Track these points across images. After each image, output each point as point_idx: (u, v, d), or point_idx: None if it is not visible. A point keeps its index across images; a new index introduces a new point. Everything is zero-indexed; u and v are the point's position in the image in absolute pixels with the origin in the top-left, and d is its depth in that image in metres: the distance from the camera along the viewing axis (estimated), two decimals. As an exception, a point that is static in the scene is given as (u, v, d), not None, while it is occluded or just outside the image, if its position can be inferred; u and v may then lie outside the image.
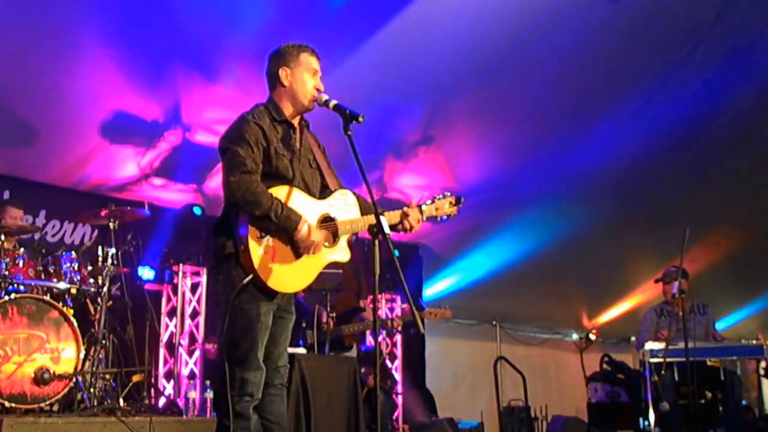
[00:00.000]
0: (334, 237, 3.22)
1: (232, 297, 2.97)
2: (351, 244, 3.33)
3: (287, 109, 3.22)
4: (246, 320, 3.01)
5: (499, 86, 6.51)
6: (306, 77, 3.20)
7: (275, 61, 3.25)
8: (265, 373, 3.11)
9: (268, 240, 3.02)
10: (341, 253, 3.26)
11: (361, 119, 2.97)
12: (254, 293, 3.01)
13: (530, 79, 6.49)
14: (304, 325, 6.04)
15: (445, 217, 3.48)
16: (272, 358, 3.17)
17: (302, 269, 3.12)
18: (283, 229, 3.02)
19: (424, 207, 3.41)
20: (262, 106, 3.21)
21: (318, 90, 3.20)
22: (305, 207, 3.14)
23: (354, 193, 3.36)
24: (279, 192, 3.07)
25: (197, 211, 6.65)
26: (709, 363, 6.02)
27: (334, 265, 3.27)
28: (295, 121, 3.26)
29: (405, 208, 3.34)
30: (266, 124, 3.12)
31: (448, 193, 3.52)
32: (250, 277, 2.97)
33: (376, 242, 2.86)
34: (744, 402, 6.36)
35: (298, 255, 3.09)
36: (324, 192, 3.30)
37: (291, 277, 3.09)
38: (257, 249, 2.99)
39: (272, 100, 3.23)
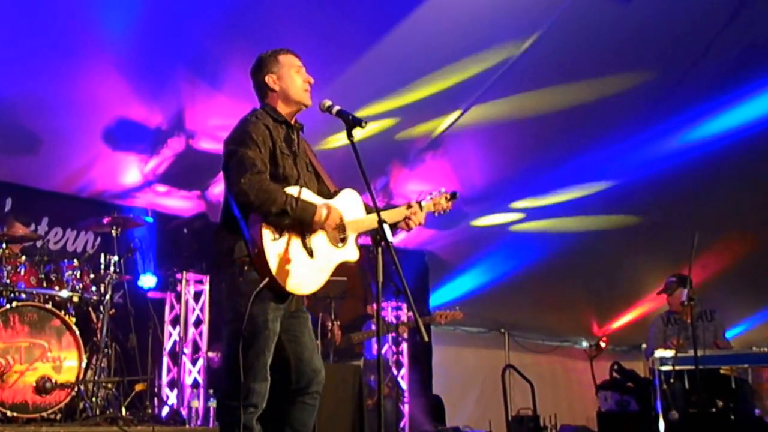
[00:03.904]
0: (343, 237, 3.20)
1: (240, 299, 2.92)
2: (357, 244, 3.32)
3: (283, 111, 3.23)
4: (253, 327, 2.95)
5: (506, 90, 6.44)
6: (293, 74, 3.23)
7: (258, 73, 3.27)
8: (301, 377, 3.09)
9: (283, 241, 2.99)
10: (351, 252, 3.25)
11: (364, 125, 2.99)
12: (263, 298, 2.97)
13: (538, 83, 6.42)
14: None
15: (441, 212, 3.58)
16: (304, 360, 3.14)
17: (316, 270, 3.10)
18: (301, 221, 3.00)
19: (423, 204, 3.46)
20: (261, 109, 3.22)
21: (309, 83, 3.24)
22: None
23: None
24: (290, 191, 3.05)
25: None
26: (721, 371, 5.93)
27: (339, 272, 3.24)
28: (292, 122, 3.28)
29: (407, 209, 3.36)
30: (270, 124, 3.13)
31: (443, 189, 3.60)
32: (266, 280, 2.94)
33: (379, 249, 2.84)
34: (756, 411, 6.25)
35: (311, 254, 3.07)
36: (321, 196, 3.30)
37: (305, 278, 3.06)
38: (273, 250, 2.96)
39: (268, 104, 3.24)
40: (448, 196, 3.57)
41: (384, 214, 2.97)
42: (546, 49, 5.96)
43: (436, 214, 3.56)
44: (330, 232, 3.14)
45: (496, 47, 5.94)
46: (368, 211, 3.34)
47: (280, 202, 2.95)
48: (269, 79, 3.22)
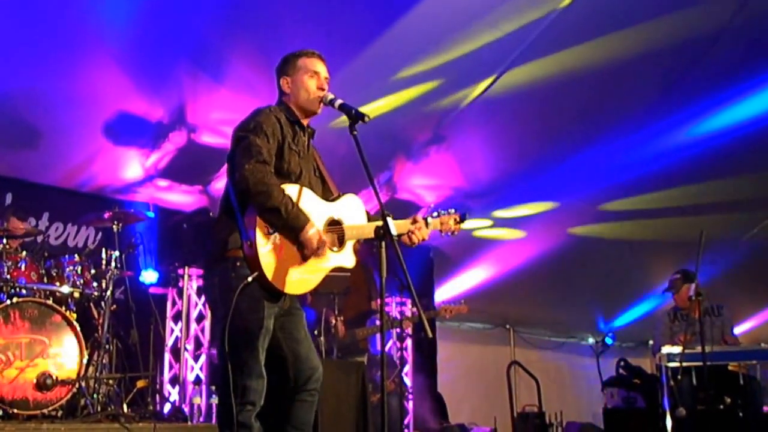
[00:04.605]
0: (340, 242, 3.17)
1: (232, 296, 2.88)
2: (356, 251, 3.27)
3: (296, 113, 3.24)
4: (246, 324, 2.92)
5: (512, 83, 6.35)
6: (305, 80, 3.22)
7: (277, 74, 3.30)
8: (300, 375, 3.07)
9: (276, 237, 2.96)
10: (347, 258, 3.21)
11: (367, 119, 2.97)
12: (256, 295, 2.94)
13: (545, 75, 6.32)
14: (316, 332, 5.96)
15: (448, 233, 3.51)
16: (302, 357, 3.11)
17: (308, 271, 3.06)
18: (290, 228, 2.96)
19: (429, 220, 3.42)
20: (276, 105, 3.23)
21: (320, 89, 3.20)
22: (315, 208, 3.10)
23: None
24: (290, 189, 3.02)
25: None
26: (730, 367, 5.86)
27: (340, 268, 3.21)
28: (305, 124, 3.27)
29: (412, 223, 3.32)
30: (282, 119, 3.13)
31: (453, 210, 3.54)
32: (255, 274, 2.90)
33: (383, 244, 2.82)
34: (765, 408, 6.18)
35: (304, 256, 3.03)
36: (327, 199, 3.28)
37: (296, 277, 3.02)
38: (265, 245, 2.93)
39: (283, 102, 3.26)
40: (458, 218, 3.51)
41: (389, 218, 2.93)
42: (552, 42, 5.88)
43: (442, 234, 3.50)
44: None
45: (498, 42, 5.83)
46: (369, 218, 3.31)
47: (276, 200, 2.91)
48: (283, 82, 3.25)
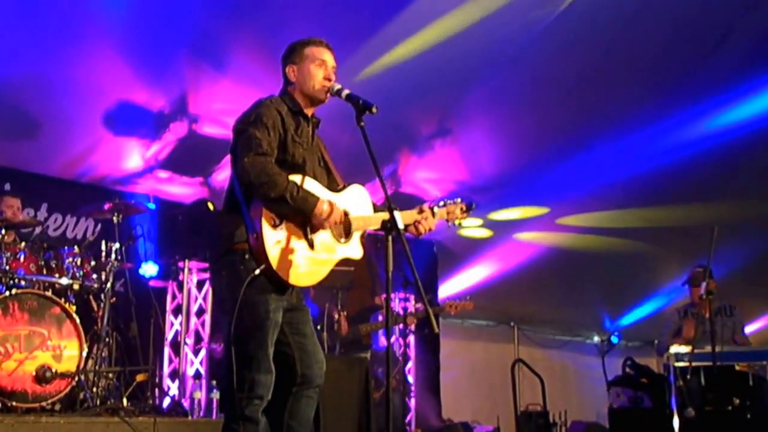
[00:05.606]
0: (347, 233, 3.12)
1: (242, 289, 2.84)
2: (363, 242, 3.23)
3: (301, 103, 3.18)
4: (254, 317, 2.89)
5: (518, 76, 6.27)
6: (312, 68, 3.16)
7: (283, 62, 3.25)
8: (307, 370, 3.06)
9: (283, 229, 2.92)
10: (354, 249, 3.17)
11: (374, 110, 2.90)
12: (264, 288, 2.90)
13: (551, 68, 6.24)
14: (319, 327, 5.91)
15: (455, 223, 3.47)
16: (308, 352, 3.09)
17: (316, 263, 3.02)
18: (300, 212, 2.92)
19: (436, 209, 3.37)
20: (278, 96, 3.18)
21: (328, 79, 3.14)
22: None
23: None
24: (293, 179, 2.97)
25: (212, 206, 6.53)
26: (737, 368, 5.80)
27: (345, 262, 3.17)
28: (309, 114, 3.22)
29: (418, 213, 3.28)
30: (284, 111, 3.09)
31: (459, 199, 3.48)
32: (263, 266, 2.86)
33: (390, 238, 2.76)
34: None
35: (312, 246, 3.00)
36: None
37: (304, 269, 2.98)
38: (271, 237, 2.89)
39: (287, 92, 3.20)
40: (464, 207, 3.46)
41: (396, 212, 2.87)
42: (558, 34, 5.76)
43: (449, 224, 3.46)
44: (333, 227, 3.06)
45: (504, 33, 5.69)
46: (376, 209, 3.27)
47: (281, 188, 2.87)
48: (289, 70, 3.19)
